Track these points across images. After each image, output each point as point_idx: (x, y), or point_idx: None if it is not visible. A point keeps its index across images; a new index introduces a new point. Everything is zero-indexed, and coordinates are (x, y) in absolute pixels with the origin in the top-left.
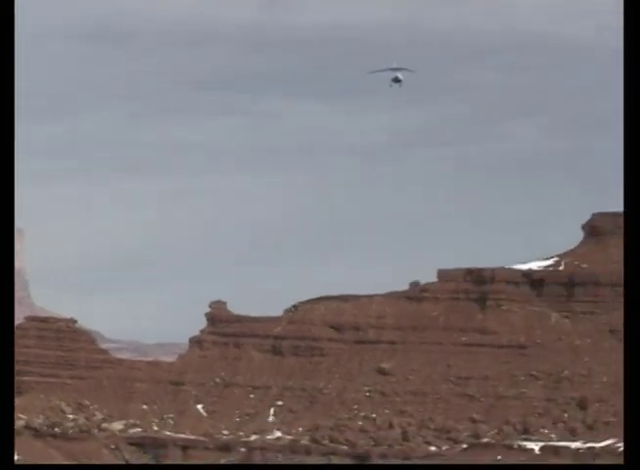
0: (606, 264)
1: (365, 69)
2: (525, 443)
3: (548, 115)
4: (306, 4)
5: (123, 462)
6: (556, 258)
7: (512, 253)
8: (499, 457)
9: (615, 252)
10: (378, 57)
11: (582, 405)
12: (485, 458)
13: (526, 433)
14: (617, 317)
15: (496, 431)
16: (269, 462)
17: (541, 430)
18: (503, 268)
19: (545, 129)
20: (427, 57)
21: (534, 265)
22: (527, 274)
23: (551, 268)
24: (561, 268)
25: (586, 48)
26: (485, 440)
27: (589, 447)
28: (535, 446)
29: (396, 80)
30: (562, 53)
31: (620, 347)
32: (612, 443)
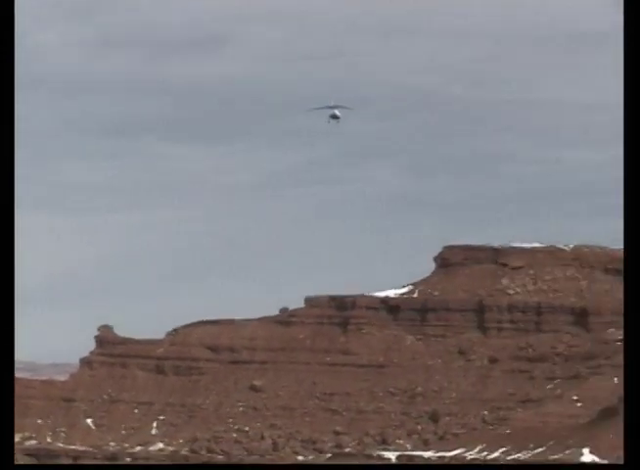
0: (456, 292)
1: (237, 115)
2: (383, 452)
3: (403, 157)
4: (194, 57)
5: None
6: (410, 287)
7: (371, 282)
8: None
9: (463, 281)
10: (253, 105)
11: (434, 418)
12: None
13: (384, 443)
14: (465, 340)
15: (357, 442)
16: None
17: (397, 441)
18: (363, 296)
19: (401, 170)
20: (287, 103)
21: (391, 293)
22: (385, 301)
23: (406, 296)
24: (415, 296)
25: (438, 97)
26: (348, 450)
27: (440, 457)
28: (392, 456)
29: (334, 117)
30: (414, 101)
31: (468, 366)
32: (460, 452)
